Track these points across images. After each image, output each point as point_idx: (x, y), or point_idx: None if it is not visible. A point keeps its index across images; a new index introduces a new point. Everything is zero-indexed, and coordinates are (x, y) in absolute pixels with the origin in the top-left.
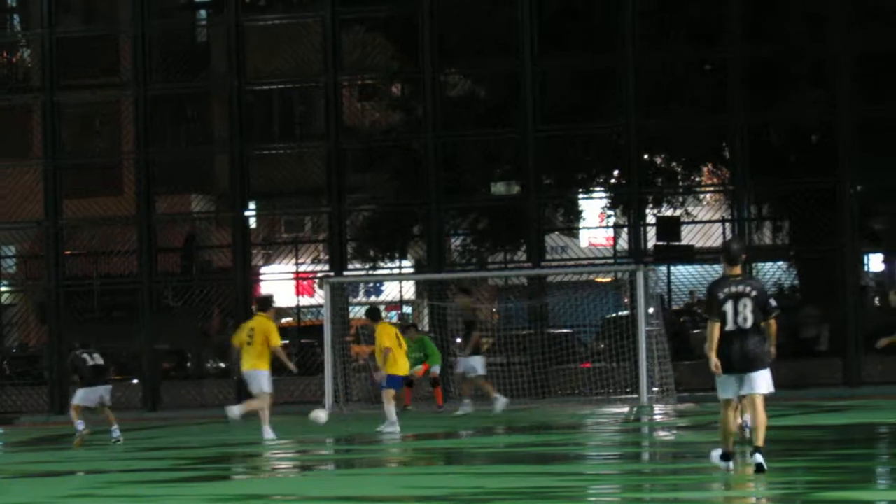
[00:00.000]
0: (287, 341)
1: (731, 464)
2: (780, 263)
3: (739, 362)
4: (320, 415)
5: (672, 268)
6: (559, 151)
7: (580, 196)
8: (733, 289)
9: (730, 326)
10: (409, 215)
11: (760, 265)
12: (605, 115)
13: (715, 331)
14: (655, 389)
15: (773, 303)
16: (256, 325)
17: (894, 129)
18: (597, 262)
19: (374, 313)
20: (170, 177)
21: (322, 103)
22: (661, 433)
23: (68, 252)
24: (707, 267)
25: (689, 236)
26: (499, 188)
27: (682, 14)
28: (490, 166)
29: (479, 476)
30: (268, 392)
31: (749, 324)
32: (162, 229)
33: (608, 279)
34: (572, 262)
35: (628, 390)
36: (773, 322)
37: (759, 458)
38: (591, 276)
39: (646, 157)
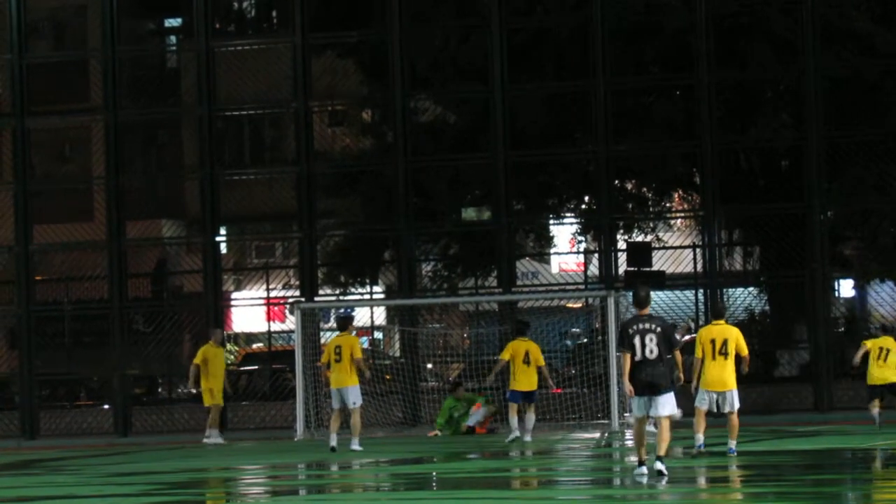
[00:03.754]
0: (257, 366)
1: (644, 468)
2: (750, 289)
3: (646, 387)
4: None
5: None
6: (530, 177)
7: (551, 222)
8: (641, 326)
9: (638, 357)
10: (379, 241)
11: (730, 291)
12: (575, 141)
13: (626, 361)
14: (626, 415)
15: (676, 337)
16: (342, 342)
17: (864, 154)
18: (568, 287)
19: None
20: (140, 202)
21: (292, 129)
22: (632, 458)
23: (39, 277)
24: (678, 292)
25: (660, 262)
26: (469, 214)
27: (652, 40)
28: (461, 192)
29: (450, 501)
30: (360, 405)
31: (654, 355)
32: (132, 255)
33: (579, 305)
34: (543, 288)
35: (599, 416)
36: (677, 353)
37: (659, 465)
38: (562, 302)
39: (616, 182)
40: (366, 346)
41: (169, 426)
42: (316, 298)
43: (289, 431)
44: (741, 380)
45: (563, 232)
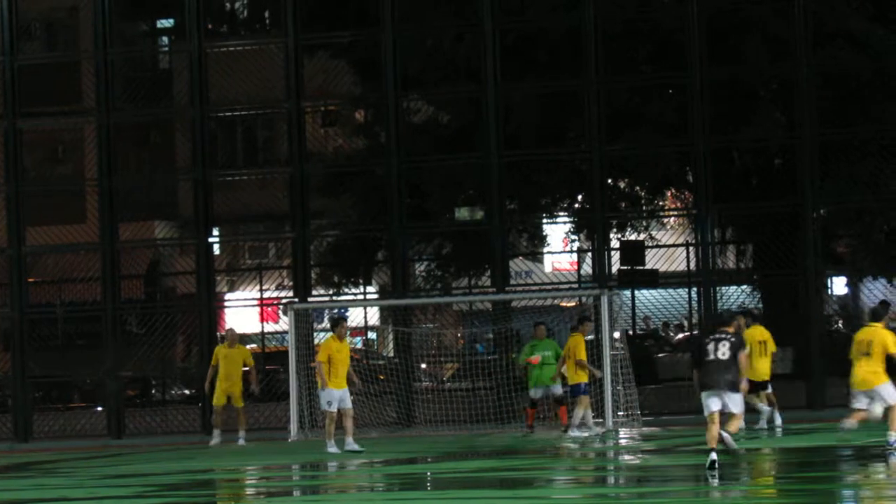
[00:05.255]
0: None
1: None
2: (743, 287)
3: (717, 383)
4: None
5: (636, 292)
6: (523, 176)
7: (544, 221)
8: (717, 335)
9: (710, 357)
10: (373, 241)
11: (724, 289)
12: (568, 140)
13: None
14: (620, 414)
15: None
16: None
17: (857, 151)
18: (561, 286)
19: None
20: (133, 204)
21: (285, 129)
22: (627, 457)
23: (31, 279)
24: (671, 291)
25: (653, 261)
26: (463, 213)
27: (645, 39)
28: (454, 191)
29: (444, 501)
30: (325, 410)
31: (727, 357)
32: (125, 256)
33: (572, 304)
34: (536, 287)
35: (593, 415)
36: (741, 356)
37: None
38: (556, 301)
39: (609, 181)
40: (359, 346)
41: (163, 428)
42: (309, 299)
43: (283, 432)
44: None
45: (557, 231)
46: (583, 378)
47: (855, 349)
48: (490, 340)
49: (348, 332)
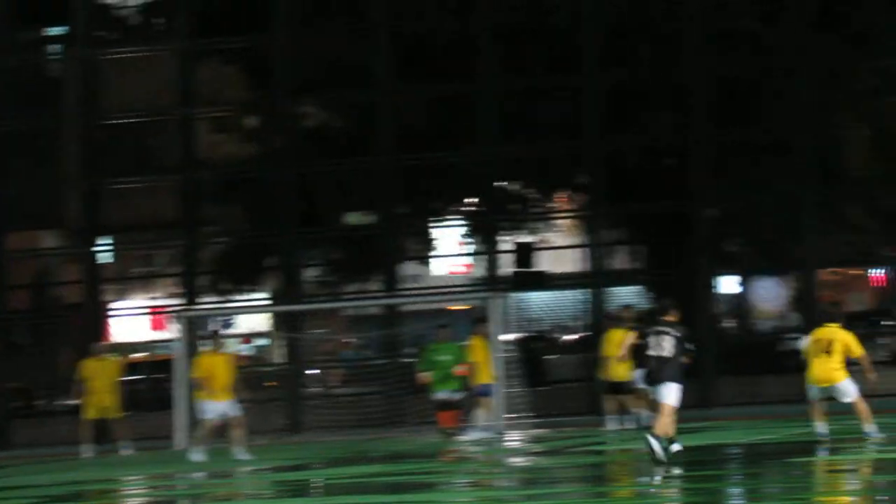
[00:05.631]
0: (143, 376)
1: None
2: (634, 287)
3: (659, 378)
4: None
5: (527, 294)
6: (416, 180)
7: (436, 224)
8: (659, 329)
9: (652, 352)
10: (264, 247)
11: (615, 289)
12: (460, 143)
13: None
14: (510, 415)
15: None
16: None
17: (748, 152)
18: (454, 289)
19: None
20: (20, 213)
21: (177, 136)
22: (516, 459)
23: None
24: (564, 292)
25: (545, 262)
26: (354, 218)
27: (538, 41)
28: (345, 196)
29: None
30: (203, 419)
31: (665, 353)
32: (12, 266)
33: (466, 307)
34: (428, 291)
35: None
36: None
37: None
38: (447, 305)
39: (502, 183)
40: (248, 353)
41: (49, 438)
42: (199, 306)
43: (169, 441)
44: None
45: (450, 234)
46: (484, 379)
47: (813, 348)
48: (360, 347)
49: (227, 344)
